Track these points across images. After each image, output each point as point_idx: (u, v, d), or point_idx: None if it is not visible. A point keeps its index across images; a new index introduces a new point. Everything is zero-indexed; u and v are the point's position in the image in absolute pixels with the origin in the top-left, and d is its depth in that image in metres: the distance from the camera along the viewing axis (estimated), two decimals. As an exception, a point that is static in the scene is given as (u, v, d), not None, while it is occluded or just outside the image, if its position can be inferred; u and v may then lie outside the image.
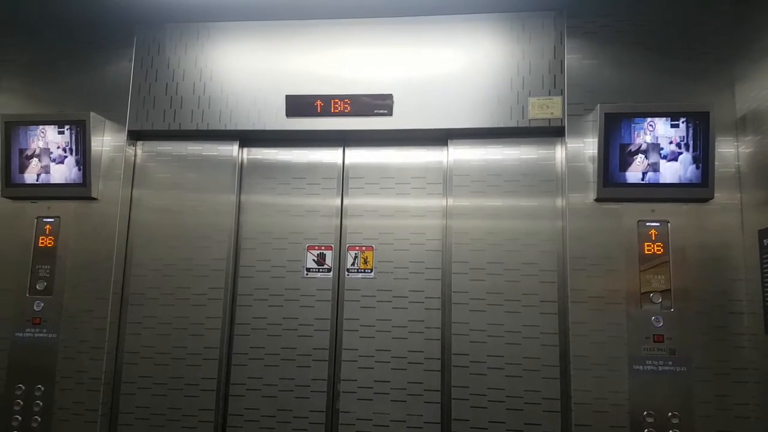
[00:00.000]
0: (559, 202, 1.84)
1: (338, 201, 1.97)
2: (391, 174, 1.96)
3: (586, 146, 1.79)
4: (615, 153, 1.73)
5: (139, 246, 1.96)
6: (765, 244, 1.59)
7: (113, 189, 1.94)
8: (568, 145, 1.79)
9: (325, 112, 1.91)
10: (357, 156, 1.99)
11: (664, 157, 1.72)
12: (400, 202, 1.93)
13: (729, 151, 1.73)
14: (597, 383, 1.64)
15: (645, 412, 1.60)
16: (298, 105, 1.92)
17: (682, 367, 1.62)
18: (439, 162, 1.94)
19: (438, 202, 1.92)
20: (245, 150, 2.04)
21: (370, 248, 1.93)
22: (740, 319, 1.63)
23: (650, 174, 1.72)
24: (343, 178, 1.99)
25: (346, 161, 1.99)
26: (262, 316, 1.91)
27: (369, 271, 1.91)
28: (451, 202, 1.88)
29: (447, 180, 1.91)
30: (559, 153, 1.87)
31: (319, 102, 1.92)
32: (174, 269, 1.94)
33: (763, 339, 1.57)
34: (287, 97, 1.93)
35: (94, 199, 1.93)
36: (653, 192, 1.72)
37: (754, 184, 1.65)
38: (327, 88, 1.93)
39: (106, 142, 1.97)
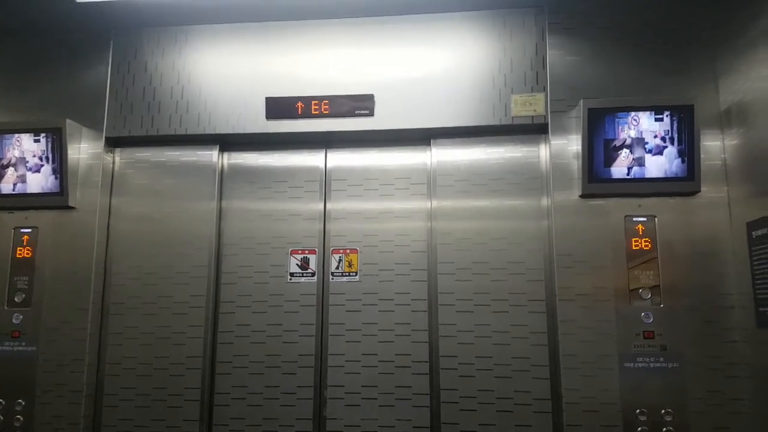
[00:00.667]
0: (545, 199, 1.81)
1: (321, 204, 1.93)
2: (374, 176, 1.93)
3: (570, 143, 1.77)
4: (599, 148, 1.71)
5: (118, 255, 1.93)
6: (753, 237, 1.57)
7: (91, 197, 1.90)
8: (552, 142, 1.77)
9: (306, 114, 1.89)
10: (339, 158, 1.96)
11: (649, 152, 1.70)
12: (384, 204, 1.90)
13: (714, 143, 1.71)
14: (587, 382, 1.60)
15: (638, 410, 1.57)
16: (278, 107, 1.89)
17: (673, 363, 1.59)
18: (422, 163, 1.91)
19: (422, 203, 1.89)
20: (225, 155, 2.00)
21: (354, 251, 1.89)
22: (731, 313, 1.60)
23: (635, 169, 1.70)
24: (325, 180, 1.95)
25: (329, 164, 1.96)
26: (246, 323, 1.87)
27: (354, 274, 1.88)
28: (435, 202, 1.85)
29: (431, 181, 1.88)
30: (543, 150, 1.85)
31: (299, 104, 1.89)
32: (154, 278, 1.90)
33: (754, 333, 1.54)
34: (267, 99, 1.90)
35: (72, 208, 1.89)
36: (639, 187, 1.69)
37: (741, 176, 1.63)
38: (307, 89, 1.90)
39: (83, 149, 1.93)
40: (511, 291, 1.77)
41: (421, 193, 1.90)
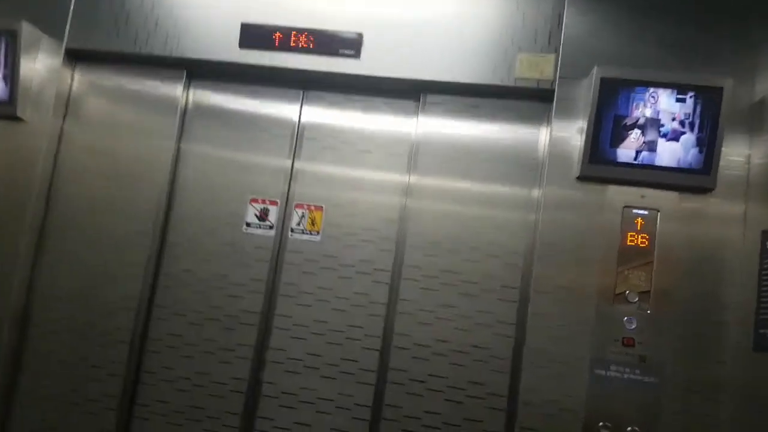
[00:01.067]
0: (536, 179, 1.61)
1: (290, 157, 1.74)
2: (352, 136, 1.71)
3: (576, 116, 1.53)
4: (608, 125, 1.49)
5: (63, 180, 1.76)
6: (767, 247, 1.36)
7: (43, 114, 1.72)
8: (556, 112, 1.54)
9: (284, 47, 1.68)
10: (316, 113, 1.75)
11: (664, 136, 1.47)
12: (358, 158, 1.70)
13: (740, 136, 1.48)
14: (551, 383, 1.42)
15: (601, 423, 1.39)
16: (253, 35, 1.68)
17: (651, 377, 1.40)
18: (407, 132, 1.69)
19: (401, 167, 1.68)
20: (192, 91, 1.80)
21: (319, 208, 1.72)
22: (726, 330, 1.40)
23: (645, 153, 1.48)
24: (298, 129, 1.75)
25: (304, 116, 1.75)
26: (191, 269, 1.71)
27: (315, 233, 1.70)
28: (415, 169, 1.65)
29: (413, 151, 1.67)
30: (543, 124, 1.63)
31: (277, 34, 1.68)
32: (99, 209, 1.73)
33: (749, 355, 1.35)
34: (242, 25, 1.69)
35: (21, 119, 1.72)
36: (646, 174, 1.47)
37: (765, 177, 1.41)
38: (288, 19, 1.68)
39: (40, 60, 1.75)
40: (483, 273, 1.58)
41: (400, 152, 1.69)
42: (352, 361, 1.61)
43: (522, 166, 1.62)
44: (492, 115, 1.66)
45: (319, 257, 1.68)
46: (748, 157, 1.47)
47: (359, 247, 1.67)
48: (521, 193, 1.61)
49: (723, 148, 1.43)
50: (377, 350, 1.60)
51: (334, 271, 1.67)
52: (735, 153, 1.47)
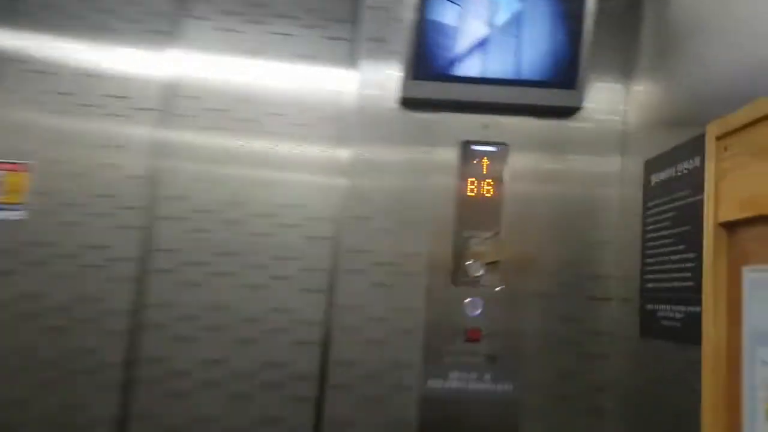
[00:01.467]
0: (345, 115, 1.10)
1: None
2: (70, 36, 1.09)
3: (394, 15, 1.07)
4: (437, 25, 1.04)
5: None
6: (652, 183, 0.97)
7: None
8: (367, 14, 1.07)
9: None
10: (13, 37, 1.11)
11: (512, 40, 1.05)
12: (83, 83, 1.08)
13: (612, 43, 1.08)
14: (367, 410, 0.93)
15: (438, 467, 0.94)
16: None
17: (505, 384, 0.96)
18: (153, 71, 1.10)
19: (151, 89, 1.09)
20: None
21: (19, 167, 1.09)
22: (605, 309, 0.99)
23: (488, 64, 1.03)
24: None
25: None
26: None
27: (16, 207, 1.08)
28: (172, 99, 1.08)
29: (167, 59, 1.09)
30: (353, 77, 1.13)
31: None
32: None
33: (636, 344, 0.95)
34: None
35: None
36: (490, 92, 1.03)
37: (646, 90, 1.02)
38: None
39: None
40: (276, 252, 1.05)
41: (149, 79, 1.09)
42: (79, 405, 1.01)
43: (327, 83, 1.10)
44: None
45: (19, 245, 1.05)
46: (624, 70, 1.08)
47: (89, 225, 1.07)
48: (327, 132, 1.08)
49: (589, 54, 1.03)
50: (113, 389, 1.01)
51: (46, 267, 1.05)
52: (607, 66, 1.08)
